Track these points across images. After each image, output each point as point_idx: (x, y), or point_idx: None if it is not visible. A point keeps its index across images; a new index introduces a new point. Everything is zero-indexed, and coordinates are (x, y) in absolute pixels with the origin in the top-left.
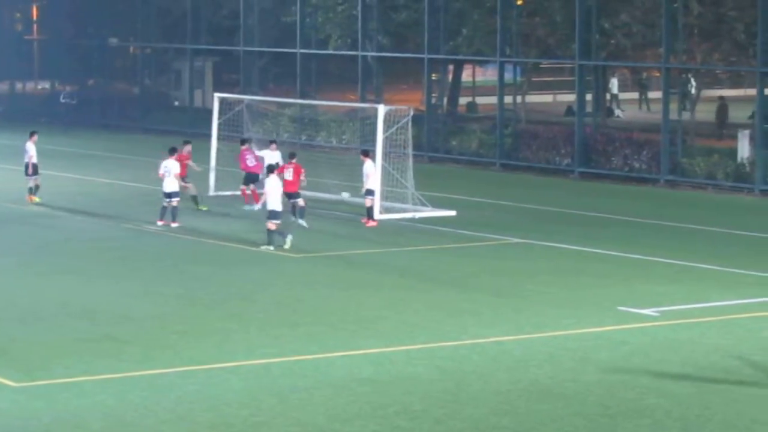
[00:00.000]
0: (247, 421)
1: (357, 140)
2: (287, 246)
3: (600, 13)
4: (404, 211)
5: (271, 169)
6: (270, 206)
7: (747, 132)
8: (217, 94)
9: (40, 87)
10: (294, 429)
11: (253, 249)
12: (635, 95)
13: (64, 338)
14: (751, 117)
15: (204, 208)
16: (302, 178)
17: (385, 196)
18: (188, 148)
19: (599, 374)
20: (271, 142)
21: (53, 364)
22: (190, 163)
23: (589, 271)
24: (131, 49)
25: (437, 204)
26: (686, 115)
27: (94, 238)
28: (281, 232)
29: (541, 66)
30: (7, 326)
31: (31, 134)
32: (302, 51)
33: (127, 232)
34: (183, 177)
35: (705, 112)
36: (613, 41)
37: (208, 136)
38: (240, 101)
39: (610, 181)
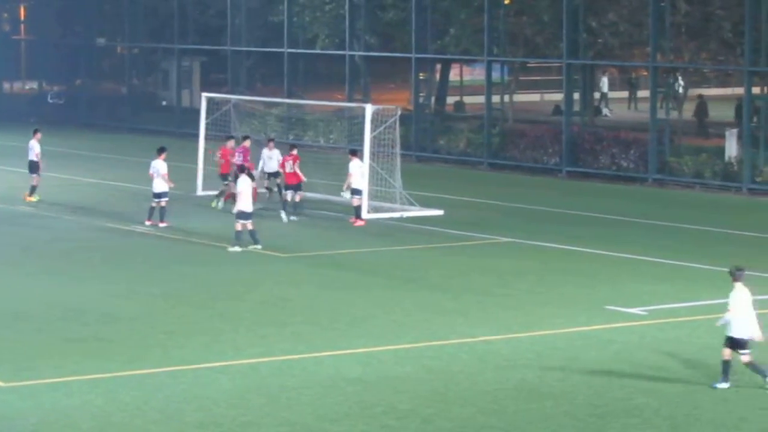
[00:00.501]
0: (235, 421)
1: (344, 140)
2: (239, 250)
3: (587, 12)
4: (392, 210)
5: (242, 169)
6: (239, 207)
7: (735, 131)
8: (204, 94)
9: (27, 87)
10: (282, 428)
11: (241, 248)
12: (623, 94)
13: (52, 338)
14: (736, 116)
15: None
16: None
17: (373, 196)
18: (231, 144)
19: (587, 373)
20: (269, 140)
21: (42, 364)
22: (234, 160)
23: (577, 270)
24: (119, 49)
25: (425, 203)
26: (674, 114)
27: (81, 238)
28: (253, 236)
29: (529, 65)
30: None
31: (35, 132)
32: (289, 50)
33: (115, 232)
34: (226, 174)
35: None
36: (600, 40)
37: (196, 135)
38: (227, 101)
39: (598, 181)
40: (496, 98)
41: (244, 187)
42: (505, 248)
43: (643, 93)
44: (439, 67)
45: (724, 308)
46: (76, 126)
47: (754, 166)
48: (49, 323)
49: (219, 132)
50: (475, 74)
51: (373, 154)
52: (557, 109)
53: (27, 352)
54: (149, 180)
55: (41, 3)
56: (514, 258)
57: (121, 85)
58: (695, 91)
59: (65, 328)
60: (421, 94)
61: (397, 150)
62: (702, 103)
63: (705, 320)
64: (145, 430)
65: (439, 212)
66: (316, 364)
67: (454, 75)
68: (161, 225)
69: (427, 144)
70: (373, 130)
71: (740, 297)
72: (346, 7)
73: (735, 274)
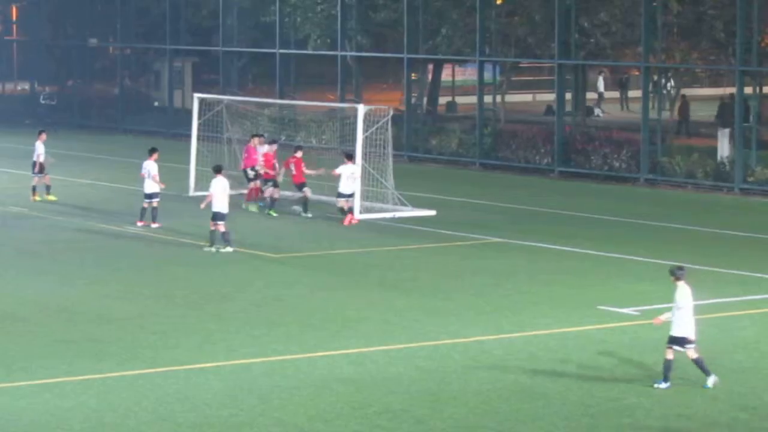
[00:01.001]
0: (228, 422)
1: (336, 140)
2: (216, 250)
3: (579, 12)
4: (384, 210)
5: (218, 169)
6: (215, 207)
7: (727, 131)
8: (196, 95)
9: (19, 88)
10: (275, 429)
11: (233, 249)
12: (615, 94)
13: (44, 339)
14: (718, 116)
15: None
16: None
17: (365, 196)
18: (274, 147)
19: (580, 373)
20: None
21: (33, 365)
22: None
23: (569, 270)
24: (111, 49)
25: (417, 204)
26: (666, 114)
27: (73, 239)
28: (226, 237)
29: (521, 65)
30: None
31: (40, 133)
32: (281, 51)
33: (107, 233)
34: (267, 179)
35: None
36: (592, 40)
37: (188, 136)
38: (219, 101)
39: (590, 181)
40: (488, 98)
41: (217, 188)
42: (498, 248)
43: (633, 93)
44: (431, 67)
45: (716, 308)
46: (68, 127)
47: (746, 166)
48: (41, 324)
49: (211, 133)
50: (467, 74)
51: (365, 155)
52: (549, 110)
53: (19, 353)
54: (141, 181)
55: (33, 4)
56: (507, 258)
57: (113, 85)
58: (687, 91)
59: (57, 329)
60: (413, 95)
61: (389, 150)
62: (685, 103)
63: (697, 320)
64: (138, 430)
65: (432, 212)
66: (308, 365)
67: (446, 75)
68: (153, 226)
69: (420, 144)
70: (365, 130)
71: (684, 296)
72: (338, 7)
73: (676, 274)
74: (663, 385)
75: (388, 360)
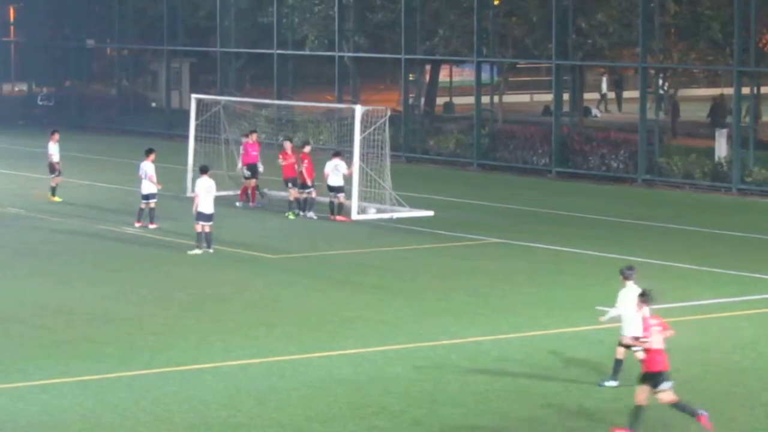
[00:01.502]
0: (225, 422)
1: (334, 141)
2: (199, 252)
3: (577, 12)
4: (382, 211)
5: (204, 169)
6: (198, 208)
7: (725, 131)
8: (194, 96)
9: (17, 89)
10: (272, 429)
11: (230, 250)
12: (612, 95)
13: (41, 340)
14: (709, 116)
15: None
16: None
17: (363, 197)
18: (307, 149)
19: (577, 374)
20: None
21: (31, 365)
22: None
23: (566, 270)
24: (108, 50)
25: (415, 204)
26: (663, 115)
27: (71, 239)
28: (207, 238)
29: (518, 66)
30: None
31: (52, 133)
32: (279, 52)
33: (104, 234)
34: (306, 183)
35: (682, 111)
36: (589, 41)
37: (186, 137)
38: (217, 102)
39: (588, 181)
40: (485, 99)
41: (201, 189)
42: (495, 249)
43: (629, 94)
44: (428, 68)
45: (714, 308)
46: (66, 127)
47: (744, 166)
48: (39, 325)
49: (209, 134)
50: (464, 75)
51: (362, 155)
52: (547, 110)
53: (16, 354)
54: (138, 181)
55: (31, 5)
56: (504, 259)
57: (111, 86)
58: (685, 92)
59: (54, 329)
60: (410, 95)
61: (387, 151)
62: (674, 103)
63: (694, 320)
64: (135, 431)
65: (429, 213)
66: (306, 365)
67: (443, 76)
68: (151, 226)
69: (417, 145)
70: (362, 131)
71: (631, 296)
72: (336, 8)
73: (625, 273)
74: (611, 383)
75: (385, 360)
